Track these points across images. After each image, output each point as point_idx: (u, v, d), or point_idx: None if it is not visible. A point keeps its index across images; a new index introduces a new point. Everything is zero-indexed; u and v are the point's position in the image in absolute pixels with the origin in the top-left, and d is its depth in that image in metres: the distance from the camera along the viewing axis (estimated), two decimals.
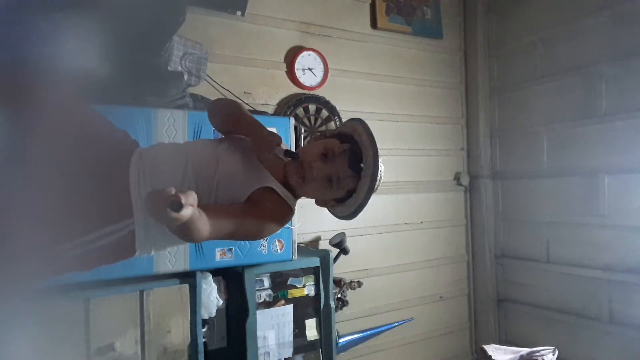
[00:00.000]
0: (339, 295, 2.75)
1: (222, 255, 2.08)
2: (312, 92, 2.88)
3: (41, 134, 1.01)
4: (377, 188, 1.12)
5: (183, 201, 0.84)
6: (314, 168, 1.10)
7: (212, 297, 2.10)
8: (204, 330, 2.13)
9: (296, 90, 2.84)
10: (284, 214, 1.17)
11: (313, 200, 1.22)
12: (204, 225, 0.98)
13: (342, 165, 1.10)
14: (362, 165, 1.10)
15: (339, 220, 1.21)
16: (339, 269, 2.78)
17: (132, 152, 1.13)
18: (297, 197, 1.20)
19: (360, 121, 1.15)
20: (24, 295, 1.07)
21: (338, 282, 2.77)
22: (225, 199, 1.12)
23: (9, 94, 1.02)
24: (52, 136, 1.03)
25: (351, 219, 1.15)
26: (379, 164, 1.11)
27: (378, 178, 1.11)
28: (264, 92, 2.74)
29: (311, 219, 2.75)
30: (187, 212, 0.85)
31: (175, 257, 1.98)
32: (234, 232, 1.08)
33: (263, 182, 1.13)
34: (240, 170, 1.13)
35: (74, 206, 1.03)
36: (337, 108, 2.93)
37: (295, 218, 1.27)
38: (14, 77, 1.03)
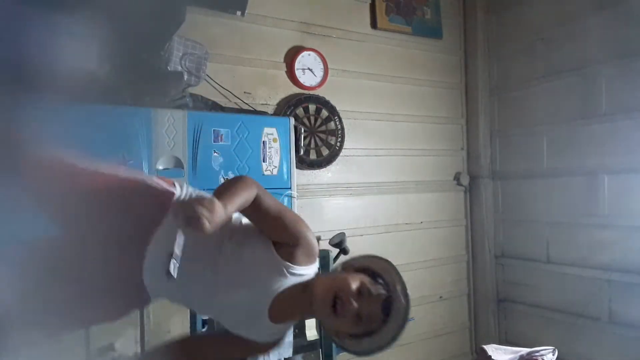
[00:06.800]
0: None
1: None
2: (312, 92, 2.87)
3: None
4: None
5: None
6: (352, 303, 1.05)
7: None
8: (204, 330, 2.13)
9: (296, 90, 2.84)
10: None
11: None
12: None
13: (376, 306, 1.08)
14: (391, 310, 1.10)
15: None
16: None
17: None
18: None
19: (393, 267, 1.14)
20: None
21: None
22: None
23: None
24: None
25: (363, 356, 1.16)
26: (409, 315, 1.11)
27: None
28: (264, 92, 2.74)
29: (310, 219, 2.73)
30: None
31: None
32: None
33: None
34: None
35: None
36: (337, 108, 2.92)
37: None
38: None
